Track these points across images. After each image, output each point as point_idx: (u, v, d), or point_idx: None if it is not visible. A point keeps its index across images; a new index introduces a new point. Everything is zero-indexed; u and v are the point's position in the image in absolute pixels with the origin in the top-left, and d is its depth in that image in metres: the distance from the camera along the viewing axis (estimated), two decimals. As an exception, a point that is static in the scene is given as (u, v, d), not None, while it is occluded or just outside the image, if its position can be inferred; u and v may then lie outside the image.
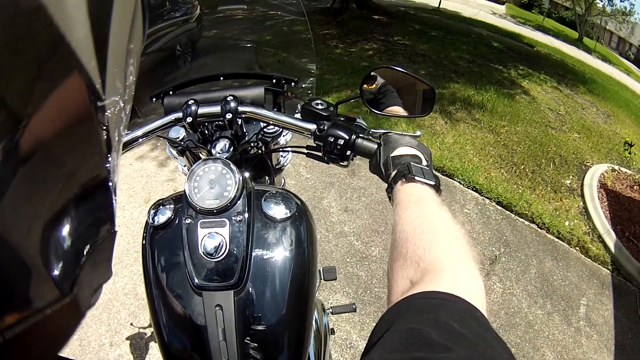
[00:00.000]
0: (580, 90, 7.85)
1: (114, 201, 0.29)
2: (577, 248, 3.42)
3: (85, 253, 0.25)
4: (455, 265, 0.51)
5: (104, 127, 0.26)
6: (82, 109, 0.23)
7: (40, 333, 0.22)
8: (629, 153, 5.31)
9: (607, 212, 3.88)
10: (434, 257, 0.53)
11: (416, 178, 0.67)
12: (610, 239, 3.56)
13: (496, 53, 8.71)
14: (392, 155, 0.75)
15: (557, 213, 3.70)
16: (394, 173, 0.72)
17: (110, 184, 0.28)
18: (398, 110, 0.93)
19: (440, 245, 0.54)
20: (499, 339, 0.40)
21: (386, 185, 0.75)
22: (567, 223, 3.62)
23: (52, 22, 0.19)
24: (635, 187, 4.37)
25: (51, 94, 0.20)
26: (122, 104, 0.28)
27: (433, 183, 0.68)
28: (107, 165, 0.27)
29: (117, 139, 0.28)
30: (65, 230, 0.23)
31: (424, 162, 0.74)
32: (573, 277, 3.12)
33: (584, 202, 3.99)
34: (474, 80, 6.24)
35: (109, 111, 0.26)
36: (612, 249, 3.47)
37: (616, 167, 4.72)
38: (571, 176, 4.39)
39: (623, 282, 3.26)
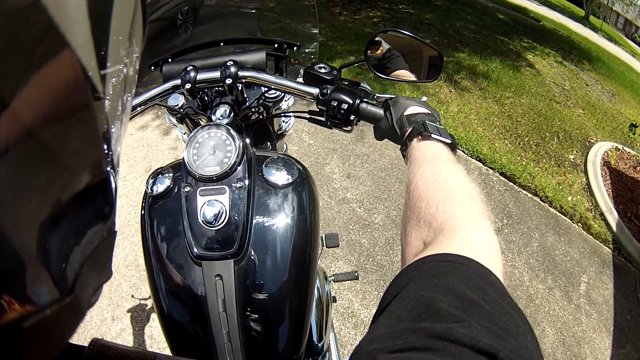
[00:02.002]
0: (585, 67, 7.70)
1: (114, 200, 0.28)
2: (579, 224, 3.38)
3: (85, 253, 0.25)
4: (469, 225, 0.49)
5: (105, 127, 0.25)
6: (78, 100, 0.21)
7: (40, 333, 0.21)
8: (633, 134, 5.24)
9: (610, 190, 3.83)
10: (447, 216, 0.51)
11: (432, 136, 0.65)
12: (612, 217, 3.52)
13: (501, 25, 8.48)
14: (405, 113, 0.73)
15: (560, 187, 3.64)
16: (409, 130, 0.70)
17: (110, 179, 0.27)
18: (405, 74, 0.91)
19: (454, 204, 0.52)
20: (514, 305, 0.38)
21: (396, 149, 0.74)
22: (569, 198, 3.57)
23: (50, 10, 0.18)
24: (638, 168, 4.32)
25: (46, 85, 0.19)
26: (123, 83, 0.28)
27: (449, 141, 0.66)
28: (108, 158, 0.26)
29: (117, 135, 0.28)
30: (65, 229, 0.23)
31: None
32: (574, 253, 3.08)
33: (587, 179, 3.94)
34: (479, 50, 6.06)
35: (108, 98, 0.25)
36: (614, 228, 3.43)
37: (620, 147, 4.65)
38: (575, 151, 4.31)
39: (624, 262, 3.24)
